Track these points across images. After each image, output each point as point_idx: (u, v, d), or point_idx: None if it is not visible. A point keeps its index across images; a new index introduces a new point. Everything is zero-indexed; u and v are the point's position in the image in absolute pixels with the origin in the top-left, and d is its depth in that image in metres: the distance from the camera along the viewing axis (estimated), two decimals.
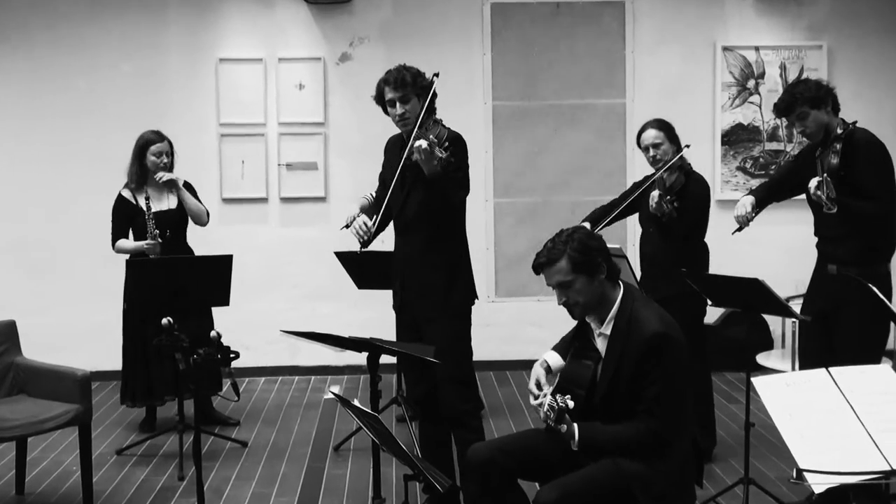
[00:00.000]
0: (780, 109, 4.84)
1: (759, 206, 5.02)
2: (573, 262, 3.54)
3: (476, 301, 4.60)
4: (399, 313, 4.62)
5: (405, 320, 4.59)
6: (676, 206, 5.16)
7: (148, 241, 5.85)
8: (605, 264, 3.57)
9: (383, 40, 7.60)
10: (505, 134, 7.61)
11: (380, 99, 4.54)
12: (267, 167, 7.57)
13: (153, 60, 7.51)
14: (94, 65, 7.49)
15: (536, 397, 3.66)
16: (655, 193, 5.19)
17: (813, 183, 4.66)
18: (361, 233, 4.42)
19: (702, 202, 5.32)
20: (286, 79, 7.56)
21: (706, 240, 5.44)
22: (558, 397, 3.31)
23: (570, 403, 3.32)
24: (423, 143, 4.20)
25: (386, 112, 4.56)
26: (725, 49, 7.67)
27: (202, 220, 6.16)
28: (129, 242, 6.01)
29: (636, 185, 5.62)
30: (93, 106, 7.50)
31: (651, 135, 5.36)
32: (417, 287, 4.49)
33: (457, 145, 4.38)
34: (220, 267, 5.52)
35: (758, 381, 3.06)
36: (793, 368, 6.30)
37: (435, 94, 4.49)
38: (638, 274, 5.48)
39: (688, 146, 5.34)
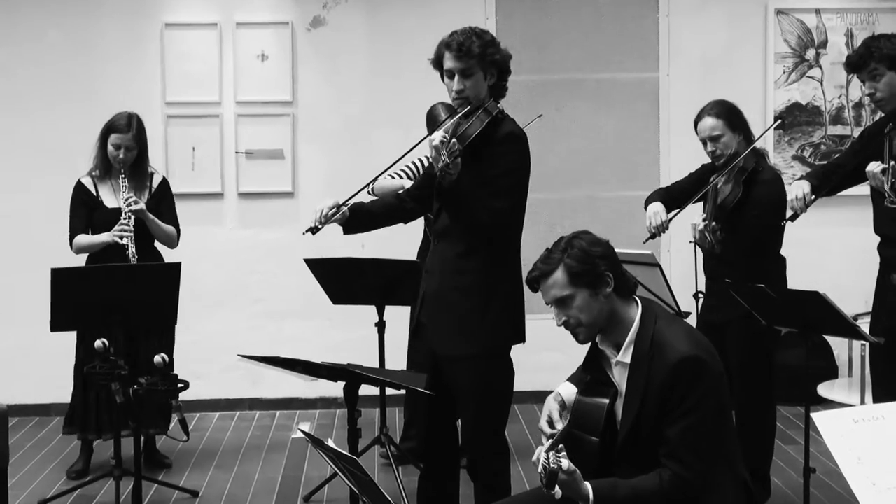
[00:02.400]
0: (851, 63, 4.92)
1: (814, 193, 5.02)
2: (571, 272, 3.51)
3: (522, 342, 4.47)
4: (413, 338, 4.56)
5: (423, 349, 4.50)
6: (720, 239, 5.07)
7: (116, 230, 5.87)
8: (609, 275, 3.54)
9: (364, 1, 7.61)
10: (512, 115, 7.55)
11: (438, 63, 4.42)
12: (222, 155, 7.58)
13: (85, 26, 7.51)
14: (13, 31, 7.49)
15: (549, 438, 3.65)
16: (699, 219, 5.10)
17: (874, 167, 4.67)
18: (320, 214, 4.32)
19: (773, 208, 5.16)
20: (246, 48, 7.56)
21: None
22: (551, 455, 3.24)
23: (564, 464, 3.23)
24: (436, 135, 4.11)
25: (443, 79, 4.46)
26: (780, 12, 7.69)
27: (170, 245, 6.21)
28: (89, 237, 6.00)
29: (707, 170, 5.44)
30: (11, 81, 7.49)
31: (707, 125, 5.25)
32: (437, 313, 4.39)
33: (510, 144, 4.32)
34: (166, 277, 5.51)
35: (819, 418, 3.05)
36: (862, 401, 6.31)
37: (505, 74, 4.42)
38: (681, 287, 5.46)
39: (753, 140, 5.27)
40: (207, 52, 7.54)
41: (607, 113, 7.70)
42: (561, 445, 3.37)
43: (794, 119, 7.71)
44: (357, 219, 4.48)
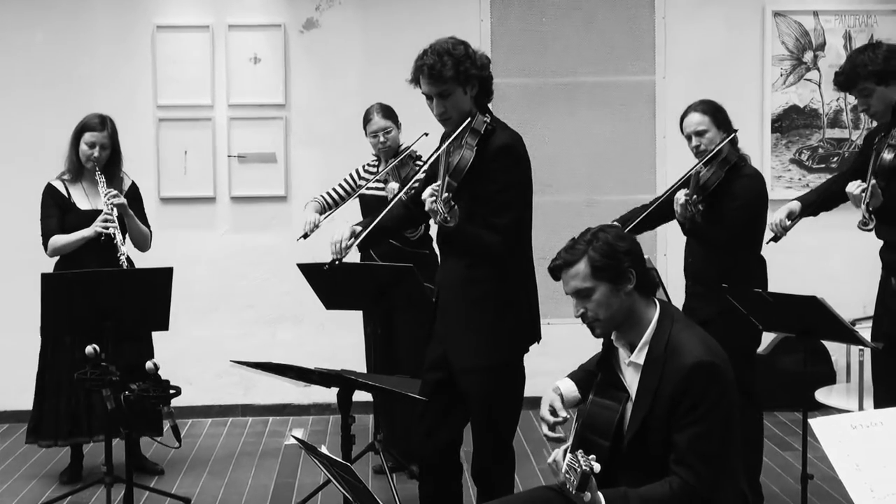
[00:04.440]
0: (839, 83, 4.92)
1: (806, 212, 5.07)
2: (594, 265, 3.52)
3: (537, 342, 4.52)
4: (427, 345, 4.59)
5: (436, 357, 4.51)
6: (702, 210, 5.14)
7: (100, 221, 5.86)
8: (633, 271, 3.55)
9: (359, 2, 7.61)
10: (507, 118, 7.51)
11: (416, 83, 4.40)
12: (215, 159, 7.57)
13: (74, 28, 7.50)
14: (0, 34, 7.48)
15: (552, 426, 3.66)
16: (681, 193, 5.19)
17: (853, 188, 4.65)
18: (339, 247, 4.38)
19: (751, 202, 5.26)
20: (238, 50, 7.57)
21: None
22: (580, 457, 3.18)
23: (597, 466, 3.18)
24: (426, 195, 4.22)
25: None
26: (777, 14, 7.70)
27: (144, 246, 6.22)
28: (67, 236, 5.99)
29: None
30: None
31: (694, 120, 5.33)
32: (453, 326, 4.41)
33: (504, 159, 4.31)
34: (157, 282, 5.51)
35: (817, 424, 3.06)
36: (860, 407, 6.32)
37: (487, 81, 4.41)
38: (677, 291, 5.47)
39: (735, 131, 5.33)
40: (199, 54, 7.54)
41: (603, 116, 7.71)
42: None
43: (791, 122, 7.72)
44: (371, 238, 4.54)
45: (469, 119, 4.32)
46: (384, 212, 4.46)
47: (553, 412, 3.70)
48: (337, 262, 4.39)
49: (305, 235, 6.01)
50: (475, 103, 4.36)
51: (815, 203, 5.16)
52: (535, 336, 4.50)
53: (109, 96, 7.37)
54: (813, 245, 7.39)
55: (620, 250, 3.55)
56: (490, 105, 4.46)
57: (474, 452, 4.47)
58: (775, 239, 5.10)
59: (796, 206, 5.10)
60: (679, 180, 5.38)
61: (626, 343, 3.63)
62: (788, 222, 5.03)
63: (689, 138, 5.36)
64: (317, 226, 6.08)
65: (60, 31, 7.49)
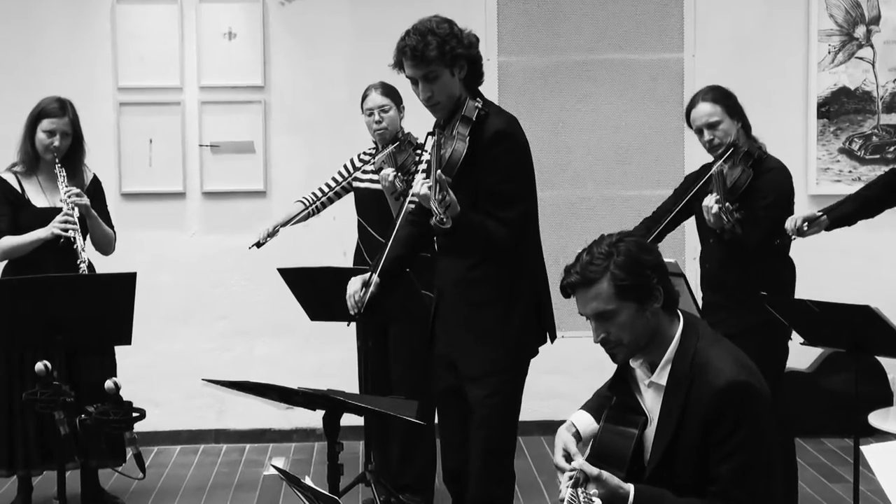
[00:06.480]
0: None
1: (836, 227, 5.13)
2: (618, 284, 3.47)
3: (549, 342, 4.64)
4: (430, 350, 4.71)
5: (444, 364, 4.63)
6: (740, 218, 5.13)
7: (58, 222, 5.84)
8: (660, 288, 3.52)
9: None
10: (516, 102, 7.60)
11: (400, 68, 4.50)
12: (184, 149, 7.58)
13: (24, 1, 7.50)
14: None
15: (565, 473, 3.65)
16: (711, 200, 5.15)
17: None
18: (354, 301, 4.56)
19: (782, 200, 5.30)
20: (210, 25, 7.56)
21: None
22: (581, 492, 3.24)
23: (598, 502, 3.25)
24: (421, 189, 4.29)
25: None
26: None
27: (107, 250, 6.23)
28: (19, 237, 5.96)
29: (690, 180, 5.62)
30: None
31: (704, 111, 5.35)
32: (457, 333, 4.53)
33: (500, 145, 4.40)
34: (118, 290, 5.49)
35: (871, 452, 3.05)
36: None
37: (476, 61, 4.50)
38: (699, 300, 5.47)
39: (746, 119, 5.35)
40: (166, 29, 7.53)
41: (624, 100, 7.70)
42: (600, 472, 3.39)
43: (840, 106, 7.70)
44: (391, 276, 4.68)
45: (460, 102, 4.44)
46: (390, 240, 4.54)
47: (567, 457, 3.64)
48: (358, 316, 4.61)
49: (258, 244, 6.18)
50: (465, 87, 4.45)
51: (852, 215, 5.19)
52: (545, 336, 4.61)
53: (64, 78, 7.36)
54: (862, 246, 7.36)
55: (647, 265, 3.51)
56: (496, 87, 4.50)
57: (473, 474, 4.54)
58: (785, 239, 5.20)
59: (823, 219, 5.18)
60: (698, 184, 5.38)
61: (647, 362, 3.62)
62: (806, 227, 5.10)
63: (699, 132, 5.38)
64: (273, 234, 6.28)
65: (9, 6, 7.48)
